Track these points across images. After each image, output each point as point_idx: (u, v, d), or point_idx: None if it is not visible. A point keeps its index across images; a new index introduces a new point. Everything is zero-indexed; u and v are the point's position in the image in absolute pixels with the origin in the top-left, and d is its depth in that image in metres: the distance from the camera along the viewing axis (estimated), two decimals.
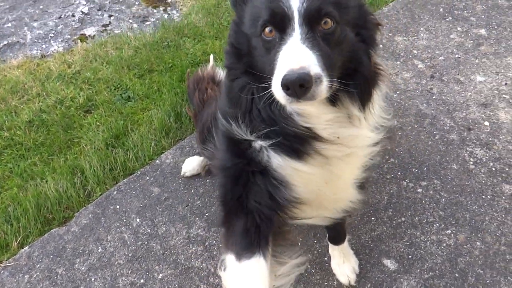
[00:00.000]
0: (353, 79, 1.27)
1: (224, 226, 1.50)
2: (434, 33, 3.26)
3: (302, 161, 1.35)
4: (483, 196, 2.28)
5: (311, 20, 1.16)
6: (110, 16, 4.02)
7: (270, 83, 1.19)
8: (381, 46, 3.20)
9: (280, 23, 1.18)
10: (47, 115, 3.05)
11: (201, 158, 2.56)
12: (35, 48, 3.71)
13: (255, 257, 1.39)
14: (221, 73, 2.72)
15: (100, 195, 2.59)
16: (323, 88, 1.13)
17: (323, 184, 1.44)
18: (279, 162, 1.35)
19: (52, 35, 3.83)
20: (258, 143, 1.36)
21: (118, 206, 2.51)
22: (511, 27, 3.18)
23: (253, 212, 1.41)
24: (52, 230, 2.44)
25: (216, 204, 2.40)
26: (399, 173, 2.44)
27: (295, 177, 1.38)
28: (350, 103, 1.30)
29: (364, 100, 1.32)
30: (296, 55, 1.12)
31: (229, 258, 1.43)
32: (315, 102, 1.22)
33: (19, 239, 2.39)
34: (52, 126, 2.98)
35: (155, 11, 4.06)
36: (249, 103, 1.32)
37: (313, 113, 1.29)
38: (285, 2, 1.17)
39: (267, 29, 1.20)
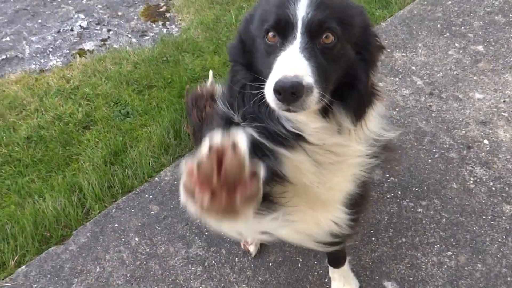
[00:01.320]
0: (349, 93, 1.30)
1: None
2: (432, 49, 3.28)
3: (292, 152, 1.35)
4: (484, 217, 2.28)
5: (312, 31, 1.20)
6: (109, 30, 4.02)
7: (264, 84, 1.22)
8: (379, 62, 3.21)
9: (283, 29, 1.22)
10: (46, 131, 3.04)
11: None
12: (34, 62, 3.70)
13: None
14: (220, 90, 2.72)
15: (99, 213, 2.57)
16: (313, 99, 1.16)
17: (312, 180, 1.42)
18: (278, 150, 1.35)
19: (51, 49, 3.83)
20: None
21: (116, 225, 2.49)
22: (508, 44, 3.20)
23: None
24: (49, 249, 2.41)
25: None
26: (399, 192, 2.44)
27: (287, 160, 1.37)
28: (342, 116, 1.32)
29: (357, 115, 1.33)
30: (292, 62, 1.16)
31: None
32: (304, 113, 1.26)
33: (16, 258, 2.36)
34: (51, 143, 2.97)
35: (154, 25, 4.07)
36: (242, 98, 1.35)
37: (301, 119, 1.31)
38: (292, 10, 1.21)
39: (270, 34, 1.24)
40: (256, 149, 1.35)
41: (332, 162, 1.38)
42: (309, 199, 1.49)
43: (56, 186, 2.68)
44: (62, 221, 2.53)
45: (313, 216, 1.55)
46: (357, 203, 1.58)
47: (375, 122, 1.45)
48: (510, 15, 3.38)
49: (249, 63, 1.34)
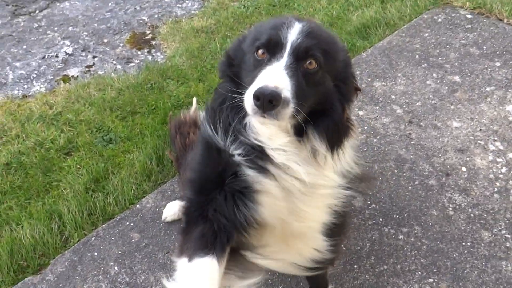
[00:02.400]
0: (323, 120, 1.39)
1: (182, 235, 1.52)
2: (411, 79, 3.38)
3: (269, 180, 1.41)
4: (463, 243, 2.31)
5: (299, 55, 1.32)
6: (94, 57, 4.05)
7: (244, 92, 1.32)
8: (354, 101, 3.29)
9: (273, 48, 1.35)
10: (26, 157, 3.00)
11: (183, 202, 2.53)
12: (17, 88, 3.69)
13: (208, 257, 1.40)
14: (203, 114, 2.74)
15: (78, 241, 2.52)
16: (288, 112, 1.26)
17: (287, 213, 1.46)
18: (253, 177, 1.41)
19: (35, 75, 3.83)
20: (237, 156, 1.42)
21: (96, 253, 2.44)
22: (483, 75, 3.32)
23: (212, 221, 1.44)
24: (26, 279, 2.35)
25: None
26: (380, 219, 2.46)
27: (264, 196, 1.42)
28: (316, 140, 1.39)
29: (331, 143, 1.41)
30: (275, 76, 1.28)
31: (181, 261, 1.44)
32: (276, 123, 1.35)
33: None
34: (31, 169, 2.92)
35: (139, 52, 4.11)
36: (222, 109, 1.45)
37: (266, 132, 1.39)
38: (284, 33, 1.35)
39: (260, 51, 1.37)
40: (232, 197, 1.42)
41: (304, 192, 1.42)
42: (286, 235, 1.52)
43: (35, 213, 2.63)
44: (40, 249, 2.47)
45: (293, 248, 1.57)
46: (336, 232, 1.60)
47: (348, 153, 1.51)
48: (484, 47, 3.53)
49: (235, 75, 1.45)
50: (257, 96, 1.22)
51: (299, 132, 1.39)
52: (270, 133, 1.38)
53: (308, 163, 1.40)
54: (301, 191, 1.42)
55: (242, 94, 1.34)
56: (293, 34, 1.34)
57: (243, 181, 1.41)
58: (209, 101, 1.57)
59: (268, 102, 1.22)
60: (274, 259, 1.60)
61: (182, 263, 1.44)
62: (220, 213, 1.42)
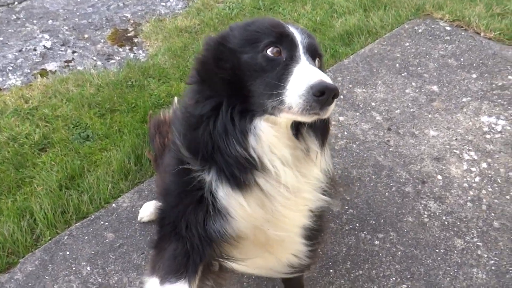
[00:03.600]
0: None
1: (155, 250, 1.49)
2: (391, 87, 3.43)
3: (243, 193, 1.36)
4: (437, 250, 2.35)
5: (311, 54, 1.32)
6: (73, 52, 3.96)
7: (257, 104, 1.26)
8: (342, 96, 3.33)
9: (289, 45, 1.30)
10: None
11: (158, 204, 2.49)
12: None
13: (179, 282, 1.38)
14: (175, 130, 2.70)
15: (50, 239, 2.45)
16: (331, 109, 1.24)
17: (265, 222, 1.44)
18: (223, 192, 1.36)
19: (11, 68, 3.72)
20: (206, 173, 1.36)
21: (68, 253, 2.38)
22: (460, 86, 3.40)
23: (184, 239, 1.42)
24: None
25: None
26: (357, 225, 2.48)
27: (237, 209, 1.38)
28: (311, 138, 1.40)
29: (323, 139, 1.43)
30: (318, 72, 1.23)
31: (152, 281, 1.42)
32: (306, 120, 1.30)
33: None
34: (3, 164, 2.83)
35: (120, 49, 4.05)
36: (209, 122, 1.32)
37: (271, 139, 1.32)
38: (290, 31, 1.33)
39: (273, 49, 1.29)
40: (204, 213, 1.38)
41: (287, 197, 1.40)
42: (263, 243, 1.51)
43: (5, 210, 2.55)
44: (9, 247, 2.40)
45: (272, 253, 1.56)
46: (314, 236, 1.60)
47: (328, 151, 1.52)
48: (462, 59, 3.61)
49: (230, 80, 1.33)
50: (322, 91, 1.17)
51: (297, 132, 1.39)
52: (274, 140, 1.33)
53: (300, 164, 1.38)
54: (284, 196, 1.39)
55: (247, 97, 1.28)
56: (296, 33, 1.33)
57: (216, 198, 1.37)
58: (179, 120, 1.43)
59: (332, 96, 1.19)
60: (250, 265, 1.59)
61: (153, 284, 1.42)
62: (192, 230, 1.40)
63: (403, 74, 3.53)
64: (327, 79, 1.20)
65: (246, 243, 1.49)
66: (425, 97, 3.33)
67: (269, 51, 1.29)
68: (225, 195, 1.36)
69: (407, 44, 3.81)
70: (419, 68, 3.58)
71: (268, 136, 1.31)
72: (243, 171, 1.32)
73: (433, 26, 3.98)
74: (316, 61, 1.35)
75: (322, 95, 1.17)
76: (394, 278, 2.23)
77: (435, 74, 3.52)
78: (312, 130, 1.40)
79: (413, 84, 3.44)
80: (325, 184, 1.50)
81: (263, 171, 1.33)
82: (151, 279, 1.44)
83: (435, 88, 3.40)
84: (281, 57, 1.29)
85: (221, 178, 1.35)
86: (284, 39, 1.30)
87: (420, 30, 3.95)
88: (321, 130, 1.42)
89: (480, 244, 2.37)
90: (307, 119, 1.26)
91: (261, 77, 1.28)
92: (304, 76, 1.22)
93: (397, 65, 3.62)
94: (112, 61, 3.90)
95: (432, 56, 3.67)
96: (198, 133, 1.33)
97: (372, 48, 3.79)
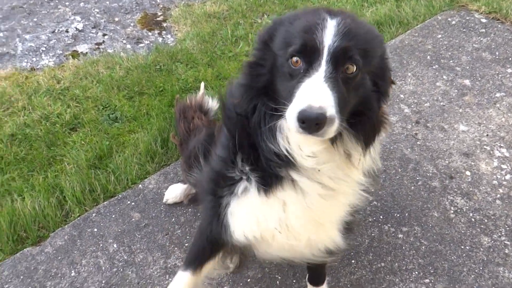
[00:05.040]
0: (360, 121, 1.31)
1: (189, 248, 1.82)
2: (421, 79, 3.36)
3: (278, 186, 1.42)
4: (462, 247, 2.31)
5: (337, 60, 1.21)
6: (104, 35, 4.02)
7: (282, 106, 1.24)
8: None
9: (309, 56, 1.22)
10: (31, 129, 2.99)
11: (185, 186, 2.53)
12: (25, 60, 3.67)
13: (187, 272, 1.78)
14: (209, 102, 2.73)
15: (78, 216, 2.52)
16: (334, 129, 1.18)
17: (297, 218, 1.47)
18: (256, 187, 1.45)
19: (44, 49, 3.81)
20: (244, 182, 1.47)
21: (95, 229, 2.45)
22: (493, 80, 3.30)
23: (211, 243, 1.73)
24: (25, 250, 2.36)
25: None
26: (381, 217, 2.46)
27: (257, 212, 1.48)
28: (353, 144, 1.33)
29: (367, 143, 1.35)
30: (317, 93, 1.18)
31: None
32: (321, 140, 1.29)
33: None
34: (35, 142, 2.92)
35: (149, 34, 4.09)
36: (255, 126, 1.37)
37: (301, 141, 1.33)
38: (319, 37, 1.22)
39: (294, 59, 1.25)
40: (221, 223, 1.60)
41: (323, 196, 1.41)
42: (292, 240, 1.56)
43: (36, 186, 2.64)
44: (40, 222, 2.48)
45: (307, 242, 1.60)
46: (350, 229, 1.64)
47: (377, 149, 1.46)
48: (497, 53, 3.50)
49: (267, 84, 1.33)
50: (302, 120, 1.15)
51: (333, 138, 1.31)
52: (304, 142, 1.32)
53: (338, 167, 1.36)
54: (321, 195, 1.39)
55: (278, 106, 1.26)
56: (328, 36, 1.21)
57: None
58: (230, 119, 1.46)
59: (315, 124, 1.15)
60: (278, 250, 1.65)
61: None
62: (216, 236, 1.67)
63: (434, 67, 3.46)
64: (319, 102, 1.15)
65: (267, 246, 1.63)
66: (456, 90, 3.25)
67: (292, 60, 1.26)
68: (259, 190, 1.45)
69: (440, 36, 3.72)
70: (451, 61, 3.49)
71: (294, 135, 1.31)
72: (277, 166, 1.36)
73: (467, 18, 3.87)
74: (347, 67, 1.23)
75: (303, 123, 1.15)
76: (416, 272, 2.21)
77: (467, 67, 3.43)
78: (354, 134, 1.32)
79: (444, 77, 3.36)
80: (368, 180, 1.47)
81: (297, 168, 1.35)
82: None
83: (467, 82, 3.31)
84: (300, 67, 1.24)
85: (257, 175, 1.43)
86: (308, 48, 1.23)
87: (453, 22, 3.84)
88: (366, 133, 1.33)
89: (508, 243, 2.33)
90: (309, 138, 1.25)
91: (285, 83, 1.27)
92: (300, 96, 1.19)
93: (428, 57, 3.54)
94: (141, 44, 3.95)
95: (466, 49, 3.57)
96: (243, 131, 1.40)
97: (403, 39, 3.71)
